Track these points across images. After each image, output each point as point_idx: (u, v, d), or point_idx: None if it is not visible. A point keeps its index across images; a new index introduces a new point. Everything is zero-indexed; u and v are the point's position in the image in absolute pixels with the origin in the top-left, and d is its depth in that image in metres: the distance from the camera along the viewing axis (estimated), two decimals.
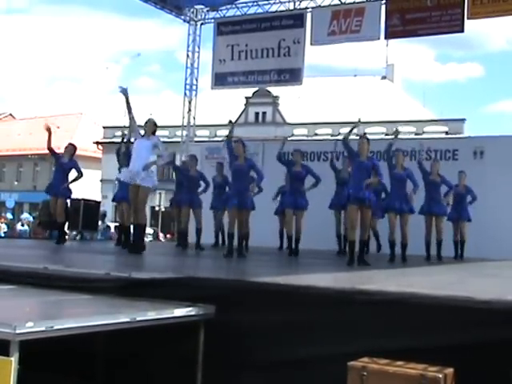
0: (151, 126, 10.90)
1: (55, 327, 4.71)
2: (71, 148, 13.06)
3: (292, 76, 18.37)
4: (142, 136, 10.80)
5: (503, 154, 14.66)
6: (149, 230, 28.13)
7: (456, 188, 12.75)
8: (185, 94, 20.20)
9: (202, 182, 13.69)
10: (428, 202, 12.18)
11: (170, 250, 13.78)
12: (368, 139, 10.52)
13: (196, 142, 21.44)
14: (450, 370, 4.77)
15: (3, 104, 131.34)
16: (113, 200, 14.01)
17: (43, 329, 4.61)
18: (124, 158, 12.08)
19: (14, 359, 4.30)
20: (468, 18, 15.96)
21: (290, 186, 12.29)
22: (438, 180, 12.29)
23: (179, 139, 21.74)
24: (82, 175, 12.60)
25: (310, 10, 18.00)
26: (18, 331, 4.38)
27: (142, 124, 11.02)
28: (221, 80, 19.32)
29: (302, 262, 11.13)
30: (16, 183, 54.23)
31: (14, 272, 7.06)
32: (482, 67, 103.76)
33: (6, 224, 27.17)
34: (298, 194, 11.99)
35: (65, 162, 12.72)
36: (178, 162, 19.63)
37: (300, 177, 12.06)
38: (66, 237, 13.77)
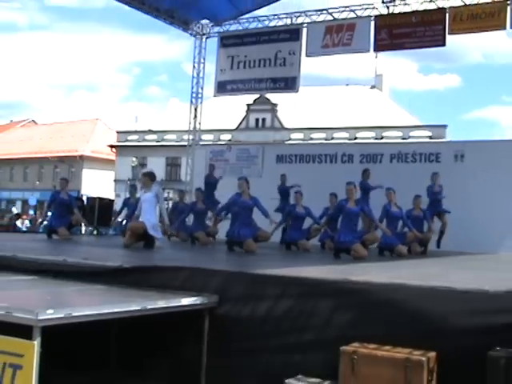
0: (147, 179, 10.93)
1: (73, 314, 4.75)
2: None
3: (287, 84, 18.34)
4: (144, 190, 10.97)
5: (482, 157, 14.67)
6: None
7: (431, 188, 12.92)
8: (191, 101, 20.16)
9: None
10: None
11: (179, 245, 13.76)
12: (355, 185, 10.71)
13: (201, 145, 21.40)
14: (432, 354, 4.78)
15: (26, 111, 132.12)
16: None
17: (62, 315, 4.65)
18: None
19: (36, 343, 4.35)
20: (449, 34, 16.01)
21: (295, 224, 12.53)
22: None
23: (186, 143, 21.69)
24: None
25: (306, 25, 17.97)
26: (39, 317, 4.42)
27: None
28: (222, 88, 19.34)
29: (299, 256, 11.15)
30: (38, 183, 54.18)
31: (36, 263, 7.09)
32: (460, 78, 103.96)
33: (29, 220, 27.24)
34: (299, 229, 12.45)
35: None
36: (183, 165, 19.75)
37: (302, 217, 12.43)
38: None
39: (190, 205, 14.24)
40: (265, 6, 19.22)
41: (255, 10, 19.29)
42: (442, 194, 12.94)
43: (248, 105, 42.93)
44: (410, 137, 37.36)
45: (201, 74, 19.97)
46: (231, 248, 11.03)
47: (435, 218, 12.96)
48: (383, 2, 16.87)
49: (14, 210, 29.54)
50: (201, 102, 20.23)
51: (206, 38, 19.92)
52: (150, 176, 10.97)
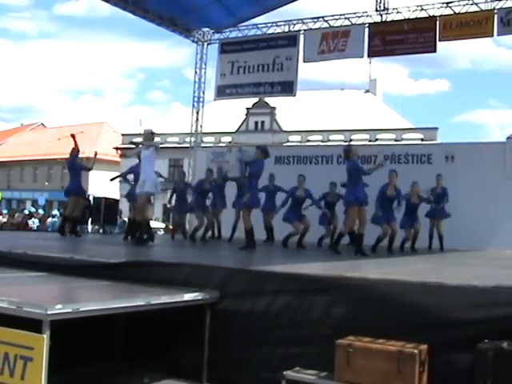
0: (150, 136, 10.76)
1: (81, 309, 4.76)
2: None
3: (283, 88, 18.32)
4: (144, 147, 10.64)
5: (471, 158, 14.71)
6: (161, 225, 28.17)
7: (434, 189, 12.94)
8: (193, 105, 20.15)
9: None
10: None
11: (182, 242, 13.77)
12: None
13: (203, 147, 21.40)
14: (424, 347, 4.80)
15: (36, 115, 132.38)
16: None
17: (70, 310, 4.67)
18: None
19: (45, 336, 4.37)
20: (439, 40, 16.06)
21: (294, 206, 12.49)
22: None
23: (188, 145, 21.70)
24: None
25: (303, 32, 17.99)
26: (48, 312, 4.44)
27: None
28: (222, 92, 19.32)
29: (297, 253, 11.14)
30: (47, 183, 54.20)
31: (45, 260, 7.11)
32: (450, 83, 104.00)
33: (38, 219, 27.25)
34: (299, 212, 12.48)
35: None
36: (185, 166, 19.76)
37: (301, 200, 12.46)
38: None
39: (197, 183, 14.07)
40: (262, 14, 19.26)
41: (253, 18, 19.29)
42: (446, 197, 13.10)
43: (247, 108, 42.94)
44: (402, 139, 37.33)
45: (202, 79, 19.97)
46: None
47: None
48: (377, 10, 16.92)
49: (26, 212, 29.66)
50: (202, 106, 20.23)
51: (208, 44, 19.91)
52: (152, 133, 10.84)
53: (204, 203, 13.52)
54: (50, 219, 26.64)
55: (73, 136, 12.89)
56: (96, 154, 13.69)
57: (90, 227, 20.74)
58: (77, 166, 12.97)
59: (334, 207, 13.08)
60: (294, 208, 12.41)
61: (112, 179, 13.69)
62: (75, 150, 12.91)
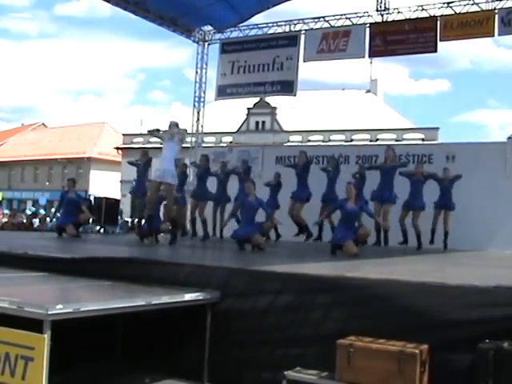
0: (175, 127, 11.03)
1: (81, 309, 4.77)
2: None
3: (283, 87, 18.33)
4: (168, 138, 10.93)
5: (472, 158, 14.67)
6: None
7: (442, 181, 12.96)
8: (194, 105, 20.14)
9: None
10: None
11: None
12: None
13: (204, 147, 21.39)
14: (424, 347, 4.80)
15: (37, 115, 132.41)
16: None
17: (71, 310, 4.67)
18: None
19: (46, 336, 4.38)
20: (440, 40, 16.07)
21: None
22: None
23: (189, 145, 21.70)
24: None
25: (304, 32, 18.00)
26: (49, 312, 4.44)
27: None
28: (222, 92, 19.34)
29: (297, 253, 11.12)
30: (47, 183, 54.17)
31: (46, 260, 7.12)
32: (450, 83, 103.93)
33: (38, 219, 27.25)
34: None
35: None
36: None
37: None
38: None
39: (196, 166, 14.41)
40: (266, 9, 19.19)
41: (257, 13, 19.28)
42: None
43: (248, 108, 42.96)
44: (403, 139, 37.30)
45: (203, 79, 19.97)
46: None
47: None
48: (378, 10, 16.92)
49: (29, 212, 29.72)
50: (203, 106, 20.23)
51: (208, 44, 19.93)
52: (177, 124, 11.07)
53: (205, 188, 13.71)
54: (48, 219, 26.63)
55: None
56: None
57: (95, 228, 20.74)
58: (75, 203, 12.96)
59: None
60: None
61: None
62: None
